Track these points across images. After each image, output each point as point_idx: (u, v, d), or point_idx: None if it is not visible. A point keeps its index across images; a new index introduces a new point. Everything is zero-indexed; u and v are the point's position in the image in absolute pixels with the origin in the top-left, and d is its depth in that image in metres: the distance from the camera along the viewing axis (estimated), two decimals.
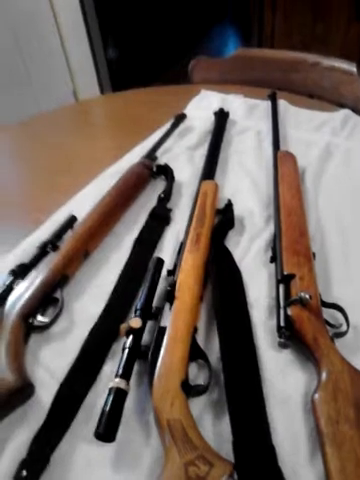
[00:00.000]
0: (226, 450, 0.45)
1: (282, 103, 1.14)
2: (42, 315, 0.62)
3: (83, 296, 0.68)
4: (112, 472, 0.47)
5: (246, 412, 0.48)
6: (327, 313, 0.58)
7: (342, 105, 1.17)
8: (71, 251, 0.69)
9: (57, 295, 0.65)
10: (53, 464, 0.47)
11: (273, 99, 1.12)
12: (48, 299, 0.64)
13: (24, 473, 0.45)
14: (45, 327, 0.62)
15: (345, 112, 1.08)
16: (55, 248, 0.70)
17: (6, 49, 2.17)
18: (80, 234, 0.72)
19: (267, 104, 1.13)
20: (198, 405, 0.51)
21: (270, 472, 0.44)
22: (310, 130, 1.04)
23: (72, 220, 0.75)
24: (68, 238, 0.72)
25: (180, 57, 1.61)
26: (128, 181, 0.84)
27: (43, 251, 0.70)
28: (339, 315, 0.58)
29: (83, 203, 0.83)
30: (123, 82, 1.58)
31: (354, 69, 1.19)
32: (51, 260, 0.68)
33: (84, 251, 0.71)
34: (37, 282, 0.64)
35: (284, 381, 0.54)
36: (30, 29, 2.26)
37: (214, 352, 0.57)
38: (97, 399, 0.53)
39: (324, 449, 0.44)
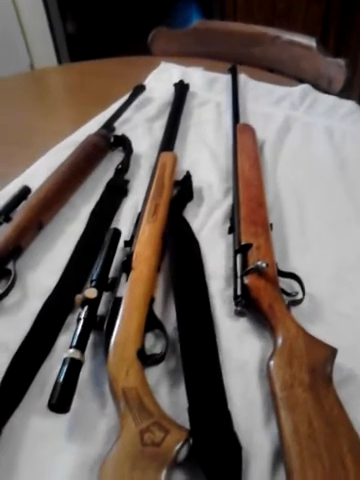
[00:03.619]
0: (182, 419, 0.45)
1: (242, 77, 1.13)
2: None
3: (37, 268, 0.66)
4: (66, 443, 0.46)
5: (202, 379, 0.48)
6: (284, 282, 0.59)
7: (301, 80, 1.17)
8: (24, 221, 0.66)
9: (10, 267, 0.62)
10: (5, 437, 0.46)
11: (233, 72, 1.11)
12: (0, 271, 0.62)
13: None
14: None
15: (304, 87, 1.08)
16: (8, 219, 0.68)
17: None
18: (33, 204, 0.69)
19: (227, 77, 1.12)
20: (154, 374, 0.51)
21: (225, 437, 0.44)
22: (269, 104, 1.04)
23: (25, 191, 0.73)
24: (21, 208, 0.69)
25: (142, 33, 1.56)
26: (84, 151, 0.82)
27: None
28: (295, 284, 0.59)
29: (38, 175, 0.80)
30: (82, 57, 1.53)
31: (314, 44, 1.19)
32: (3, 231, 0.65)
33: (38, 222, 0.68)
34: None
35: (240, 349, 0.54)
36: None
37: (171, 322, 0.56)
38: (51, 372, 0.52)
39: (278, 412, 0.45)
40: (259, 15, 2.48)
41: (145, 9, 2.76)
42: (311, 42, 1.20)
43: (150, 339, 0.54)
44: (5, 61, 2.27)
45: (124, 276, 0.59)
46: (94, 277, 0.57)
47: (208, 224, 0.71)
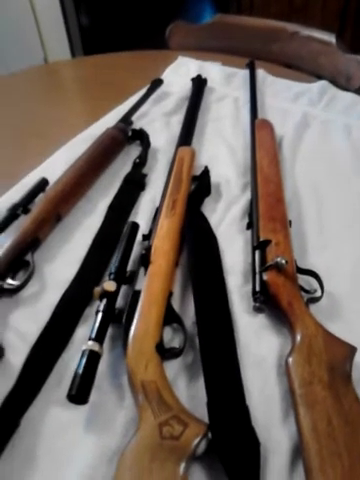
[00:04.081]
0: (200, 412, 0.45)
1: (260, 72, 1.12)
2: (12, 278, 0.61)
3: (55, 260, 0.66)
4: (85, 433, 0.46)
5: (220, 374, 0.48)
6: (302, 279, 0.58)
7: (320, 76, 1.16)
8: (42, 213, 0.67)
9: (28, 258, 0.63)
10: (24, 427, 0.47)
11: (251, 67, 1.10)
12: (19, 262, 0.62)
13: None
14: (15, 290, 0.60)
15: (323, 83, 1.07)
16: (26, 211, 0.68)
17: None
18: (52, 196, 0.70)
19: (245, 72, 1.11)
20: (173, 368, 0.51)
21: (243, 432, 0.44)
22: (287, 100, 1.03)
23: (43, 183, 0.73)
24: (39, 200, 0.70)
25: (156, 27, 1.55)
26: (102, 144, 0.82)
27: (13, 214, 0.67)
28: (314, 281, 0.58)
29: (55, 167, 0.80)
30: (96, 51, 1.53)
31: (333, 40, 1.18)
32: (22, 223, 0.66)
33: (56, 214, 0.69)
34: (7, 244, 0.62)
35: (258, 344, 0.54)
36: None
37: (189, 316, 0.56)
38: (69, 364, 0.52)
39: (297, 409, 0.45)
40: (275, 10, 2.46)
41: (159, 2, 2.75)
42: (331, 38, 1.19)
43: (168, 333, 0.54)
44: (19, 54, 2.27)
45: (142, 270, 0.59)
46: (113, 270, 0.57)
47: (226, 219, 0.71)
